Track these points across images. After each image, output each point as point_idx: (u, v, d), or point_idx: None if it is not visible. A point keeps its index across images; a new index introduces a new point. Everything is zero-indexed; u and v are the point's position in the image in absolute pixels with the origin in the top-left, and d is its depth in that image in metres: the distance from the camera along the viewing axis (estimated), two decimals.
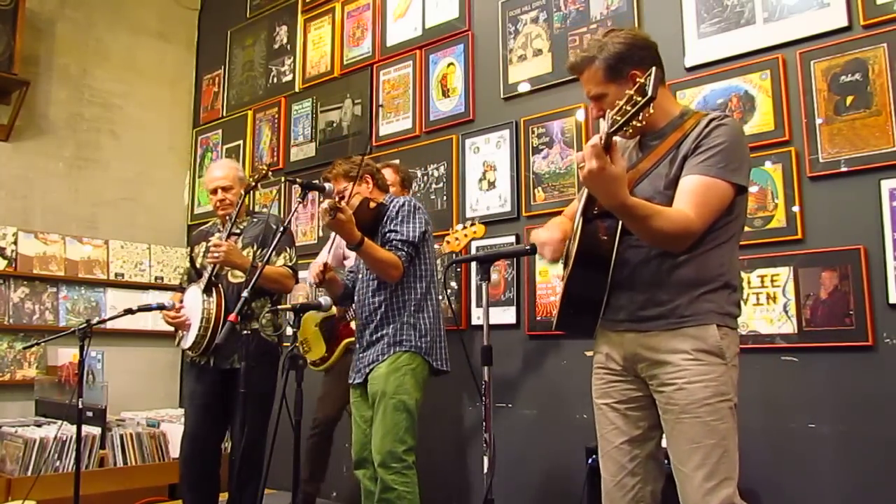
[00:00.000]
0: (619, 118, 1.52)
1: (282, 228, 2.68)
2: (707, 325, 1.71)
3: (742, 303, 1.87)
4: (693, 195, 1.69)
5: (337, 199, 2.51)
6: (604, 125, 1.57)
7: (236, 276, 3.08)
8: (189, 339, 3.04)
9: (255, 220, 3.28)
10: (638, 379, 1.81)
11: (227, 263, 3.01)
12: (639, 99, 1.49)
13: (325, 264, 2.83)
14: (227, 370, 3.09)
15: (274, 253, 3.03)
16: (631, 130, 1.57)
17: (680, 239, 1.68)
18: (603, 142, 1.54)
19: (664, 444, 1.79)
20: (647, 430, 1.81)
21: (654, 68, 1.51)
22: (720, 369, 1.69)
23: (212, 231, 3.28)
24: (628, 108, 1.51)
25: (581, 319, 1.87)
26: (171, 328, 3.24)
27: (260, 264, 2.61)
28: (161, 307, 3.03)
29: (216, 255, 2.95)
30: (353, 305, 2.94)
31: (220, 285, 3.05)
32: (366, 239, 2.62)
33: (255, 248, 3.11)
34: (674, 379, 1.71)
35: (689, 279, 1.74)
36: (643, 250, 1.77)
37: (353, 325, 3.34)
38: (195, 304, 3.04)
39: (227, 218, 3.17)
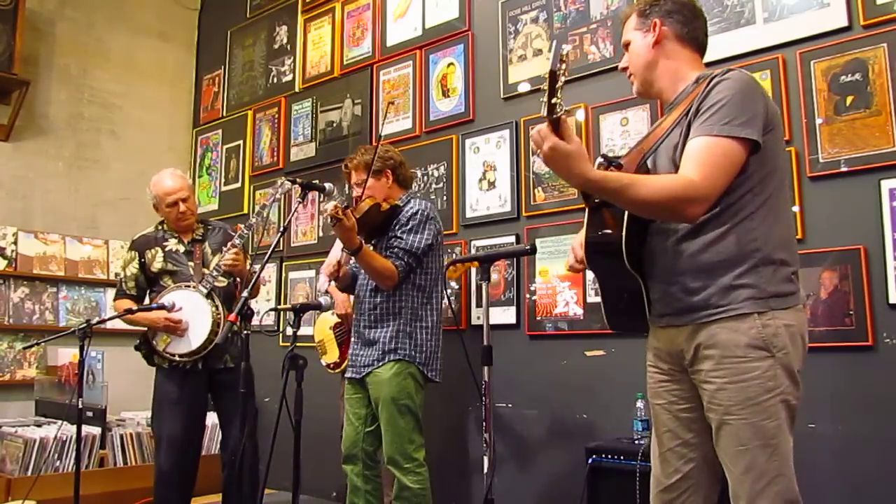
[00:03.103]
0: (544, 100, 1.47)
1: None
2: (746, 315, 1.59)
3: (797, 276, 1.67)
4: (694, 157, 1.58)
5: (339, 207, 2.54)
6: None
7: (220, 281, 3.13)
8: (193, 344, 3.04)
9: (210, 227, 3.38)
10: (686, 376, 1.72)
11: (240, 273, 3.10)
12: (545, 76, 1.44)
13: (339, 262, 2.87)
14: (216, 370, 3.15)
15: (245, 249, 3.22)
16: (564, 112, 1.50)
17: (679, 204, 1.56)
18: (549, 126, 1.50)
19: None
20: (700, 432, 1.71)
21: (555, 41, 1.48)
22: (766, 364, 1.57)
23: (162, 237, 3.29)
24: (545, 87, 1.45)
25: (627, 314, 1.80)
26: (140, 328, 3.22)
27: (254, 271, 2.73)
28: (161, 307, 3.03)
29: (236, 262, 3.04)
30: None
31: (215, 291, 3.11)
32: (364, 245, 2.66)
33: (222, 255, 3.14)
34: (714, 378, 1.61)
35: (717, 262, 1.62)
36: (666, 237, 1.69)
37: None
38: (197, 309, 3.05)
39: (189, 228, 3.28)
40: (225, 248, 3.10)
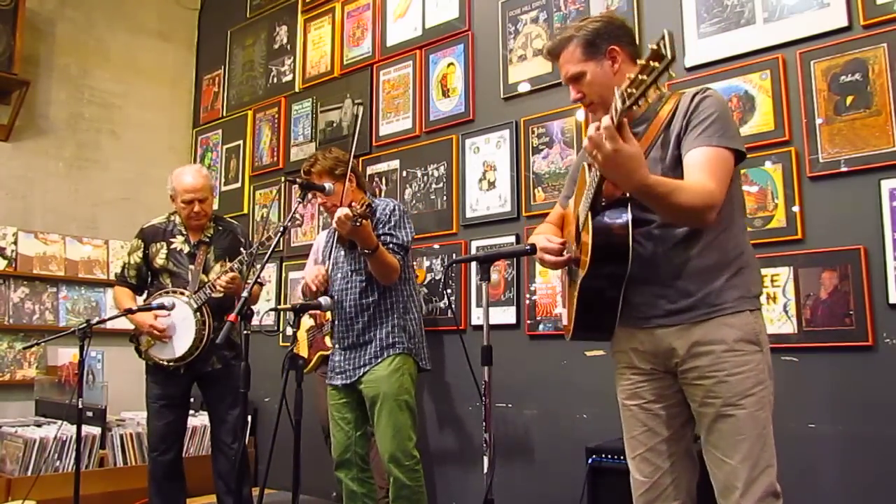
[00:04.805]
0: (633, 90, 1.39)
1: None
2: (740, 312, 1.69)
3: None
4: (707, 165, 1.64)
5: (362, 206, 2.48)
6: (616, 102, 1.44)
7: (216, 292, 3.11)
8: (177, 352, 3.08)
9: (220, 228, 3.33)
10: (669, 375, 1.77)
11: (236, 293, 3.06)
12: (655, 65, 1.35)
13: (325, 273, 2.90)
14: (202, 372, 3.16)
15: (245, 268, 3.17)
16: (642, 105, 1.45)
17: (706, 211, 1.62)
18: (615, 121, 1.46)
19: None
20: (680, 427, 1.79)
21: (666, 30, 1.35)
22: (757, 357, 1.68)
23: (171, 231, 3.27)
24: (644, 77, 1.37)
25: (599, 321, 1.78)
26: (131, 326, 3.23)
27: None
28: (161, 307, 3.03)
29: (231, 287, 3.02)
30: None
31: (207, 303, 3.11)
32: (379, 244, 2.66)
33: (226, 260, 3.13)
34: (713, 371, 1.67)
35: (710, 266, 1.70)
36: (659, 242, 1.72)
37: (326, 339, 3.36)
38: (183, 319, 3.08)
39: (200, 227, 3.26)
40: (220, 271, 3.10)
